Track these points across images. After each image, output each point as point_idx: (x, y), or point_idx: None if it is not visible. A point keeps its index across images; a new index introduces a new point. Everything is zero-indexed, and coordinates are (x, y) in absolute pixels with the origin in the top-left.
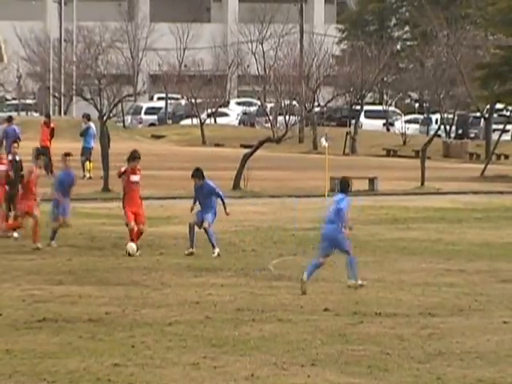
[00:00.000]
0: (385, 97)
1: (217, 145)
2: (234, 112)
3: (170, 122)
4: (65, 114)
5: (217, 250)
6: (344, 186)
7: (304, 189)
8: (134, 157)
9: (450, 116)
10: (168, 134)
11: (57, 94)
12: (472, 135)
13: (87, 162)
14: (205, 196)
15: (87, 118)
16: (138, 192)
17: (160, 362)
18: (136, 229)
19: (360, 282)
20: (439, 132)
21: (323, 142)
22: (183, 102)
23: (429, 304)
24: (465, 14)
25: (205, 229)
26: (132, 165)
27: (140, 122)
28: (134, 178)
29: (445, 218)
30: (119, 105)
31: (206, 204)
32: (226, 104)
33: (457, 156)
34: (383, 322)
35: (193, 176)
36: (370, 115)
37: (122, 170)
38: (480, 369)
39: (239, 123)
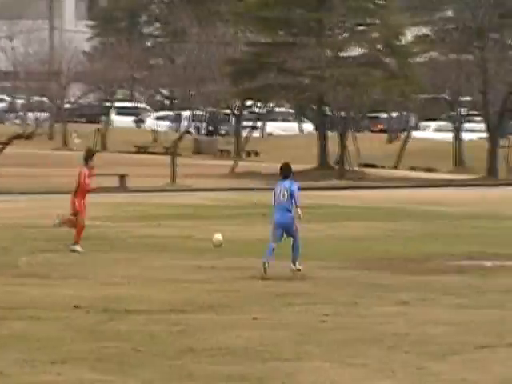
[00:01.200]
0: (135, 93)
1: None
2: None
3: None
4: None
5: None
6: (288, 171)
7: (54, 185)
8: (93, 153)
9: (201, 113)
10: None
11: None
12: (222, 132)
13: None
14: None
15: None
16: None
17: None
18: None
19: (300, 267)
20: (190, 129)
21: (74, 138)
22: None
23: (180, 300)
24: (215, 10)
25: None
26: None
27: None
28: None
29: (196, 215)
30: None
31: None
32: None
33: (207, 153)
34: (134, 319)
35: None
36: (121, 112)
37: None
38: (230, 364)
39: None
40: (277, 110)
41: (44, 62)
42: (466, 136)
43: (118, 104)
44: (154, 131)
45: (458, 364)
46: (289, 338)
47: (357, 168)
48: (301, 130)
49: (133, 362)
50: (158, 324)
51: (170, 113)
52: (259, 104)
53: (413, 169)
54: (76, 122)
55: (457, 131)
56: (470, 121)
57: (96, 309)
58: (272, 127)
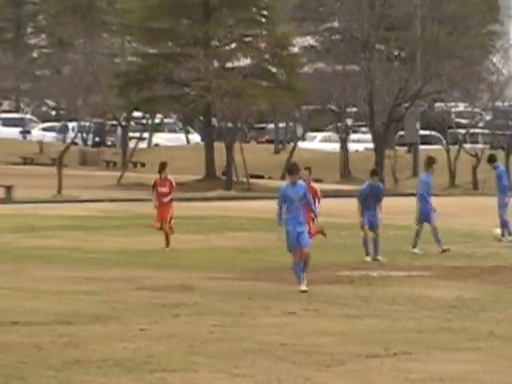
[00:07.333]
0: (21, 104)
1: None
2: None
3: None
4: None
5: None
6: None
7: None
8: None
9: (87, 124)
10: None
11: None
12: (109, 143)
13: None
14: None
15: None
16: None
17: None
18: None
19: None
20: (76, 140)
21: None
22: None
23: (66, 312)
24: (102, 21)
25: None
26: None
27: None
28: None
29: (82, 226)
30: None
31: None
32: None
33: (94, 164)
34: (20, 331)
35: None
36: (7, 123)
37: None
38: (117, 376)
39: None
40: (164, 120)
41: None
42: (352, 147)
43: (3, 115)
44: (40, 142)
45: (344, 374)
46: (176, 349)
47: (244, 179)
48: (187, 141)
49: (18, 374)
50: (43, 336)
51: (57, 124)
52: (146, 115)
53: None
54: None
55: (343, 142)
56: (356, 131)
57: None
58: (158, 138)
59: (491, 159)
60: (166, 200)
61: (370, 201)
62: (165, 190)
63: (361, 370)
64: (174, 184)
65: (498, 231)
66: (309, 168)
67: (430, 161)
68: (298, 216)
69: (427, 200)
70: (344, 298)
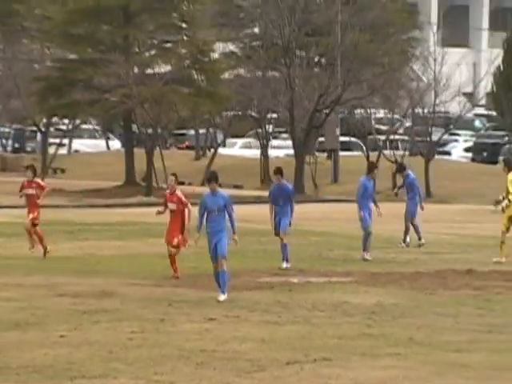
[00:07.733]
0: None
1: None
2: None
3: None
4: None
5: None
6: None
7: None
8: None
9: (7, 130)
10: None
11: None
12: (29, 149)
13: None
14: None
15: None
16: None
17: None
18: None
19: None
20: None
21: None
22: None
23: None
24: (22, 26)
25: None
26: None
27: None
28: None
29: (2, 232)
30: None
31: None
32: None
33: (14, 170)
34: None
35: None
36: None
37: None
38: (37, 382)
39: None
40: (83, 126)
41: None
42: (272, 153)
43: None
44: None
45: (264, 380)
46: (96, 356)
47: (164, 185)
48: (108, 147)
49: None
50: None
51: None
52: (66, 121)
53: (220, 185)
54: None
55: (263, 148)
56: (276, 137)
57: None
58: (78, 144)
59: (400, 168)
60: (37, 201)
61: (279, 202)
62: (31, 191)
63: (281, 376)
64: (42, 185)
65: None
66: (174, 174)
67: (372, 165)
68: (216, 226)
69: (360, 205)
70: (264, 304)
